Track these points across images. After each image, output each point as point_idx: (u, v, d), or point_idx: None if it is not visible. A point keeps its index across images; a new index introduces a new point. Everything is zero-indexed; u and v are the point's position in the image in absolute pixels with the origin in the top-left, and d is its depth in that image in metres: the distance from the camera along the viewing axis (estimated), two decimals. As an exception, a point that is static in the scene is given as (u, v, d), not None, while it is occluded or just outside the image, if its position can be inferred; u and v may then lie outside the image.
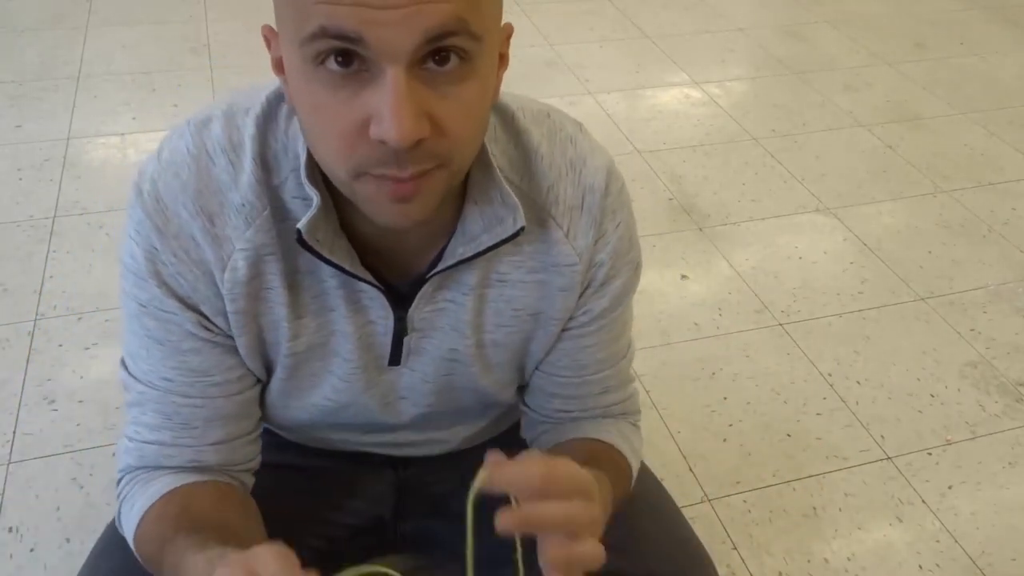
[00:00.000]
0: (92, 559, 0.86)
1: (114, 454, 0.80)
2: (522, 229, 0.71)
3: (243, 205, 0.69)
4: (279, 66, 0.64)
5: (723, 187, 2.15)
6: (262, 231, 0.70)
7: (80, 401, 1.46)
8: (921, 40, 2.99)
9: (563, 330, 0.82)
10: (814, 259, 1.93)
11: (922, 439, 1.51)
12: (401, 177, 0.60)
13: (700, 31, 2.96)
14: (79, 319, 1.62)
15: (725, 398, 1.56)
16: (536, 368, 0.87)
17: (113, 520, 0.90)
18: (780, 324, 1.74)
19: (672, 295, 1.80)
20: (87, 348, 1.57)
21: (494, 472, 0.59)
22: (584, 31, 2.90)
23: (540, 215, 0.76)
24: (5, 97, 2.33)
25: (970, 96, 2.65)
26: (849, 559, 1.31)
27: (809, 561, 1.30)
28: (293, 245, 0.71)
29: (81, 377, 1.51)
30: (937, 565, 1.31)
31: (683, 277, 1.85)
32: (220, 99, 0.74)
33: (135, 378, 0.76)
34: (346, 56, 0.56)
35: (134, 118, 2.28)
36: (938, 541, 1.34)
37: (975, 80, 2.75)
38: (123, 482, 0.79)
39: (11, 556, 1.22)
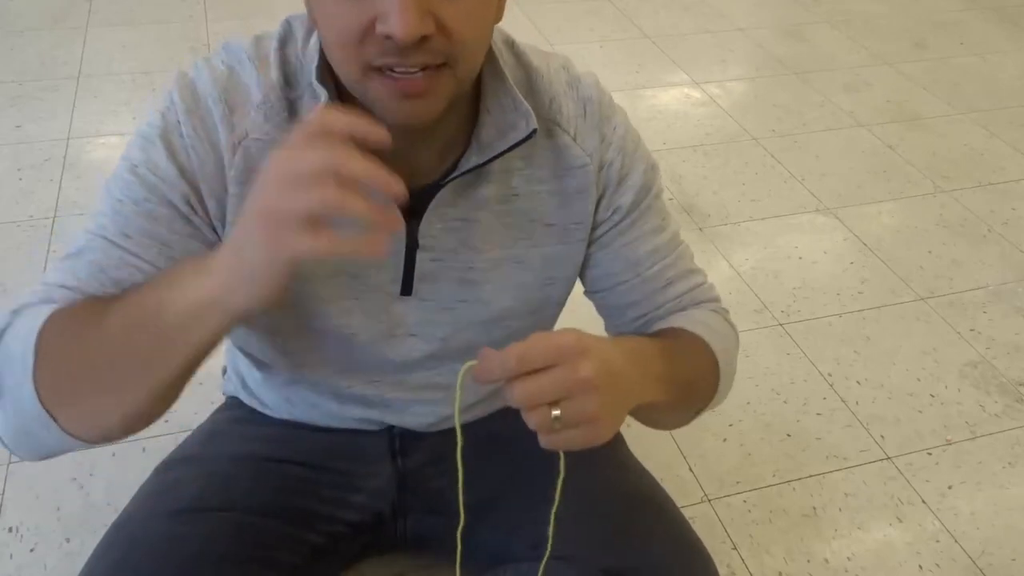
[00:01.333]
0: (92, 561, 0.86)
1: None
2: (535, 132, 0.76)
3: (264, 102, 0.75)
4: None
5: (723, 187, 2.15)
6: (279, 129, 0.75)
7: (80, 401, 1.46)
8: (921, 40, 2.99)
9: (600, 237, 0.86)
10: (814, 259, 1.93)
11: (922, 439, 1.51)
12: (408, 70, 0.65)
13: (700, 31, 2.96)
14: (79, 319, 1.62)
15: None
16: (597, 292, 0.91)
17: (114, 522, 0.90)
18: (780, 324, 1.74)
19: (672, 295, 1.79)
20: (87, 348, 1.56)
21: (479, 368, 0.61)
22: (584, 31, 2.90)
23: (547, 125, 0.81)
24: (5, 97, 2.33)
25: (970, 96, 2.65)
26: (849, 559, 1.31)
27: (809, 561, 1.30)
28: None
29: (81, 377, 1.51)
30: (937, 565, 1.31)
31: (683, 277, 1.85)
32: None
33: (87, 231, 0.76)
34: None
35: (134, 118, 2.28)
36: (938, 541, 1.34)
37: (975, 80, 2.75)
38: (9, 314, 0.72)
39: (11, 556, 1.22)
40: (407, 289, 0.82)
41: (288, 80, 0.76)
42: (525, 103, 0.76)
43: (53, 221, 1.88)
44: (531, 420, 0.62)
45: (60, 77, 2.44)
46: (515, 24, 2.87)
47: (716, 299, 0.95)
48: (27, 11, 2.79)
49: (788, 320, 1.75)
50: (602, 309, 0.94)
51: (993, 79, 2.76)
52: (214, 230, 0.78)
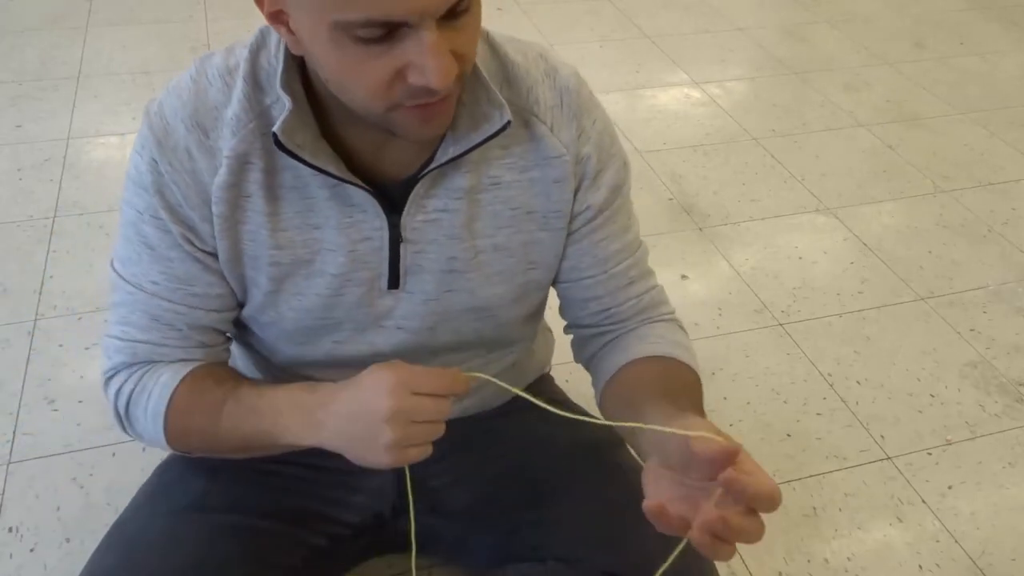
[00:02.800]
0: (92, 561, 0.86)
1: (122, 426, 0.80)
2: (509, 123, 0.77)
3: (231, 118, 0.76)
4: (277, 18, 0.69)
5: (723, 187, 2.15)
6: (245, 142, 0.76)
7: (80, 401, 1.46)
8: (921, 40, 2.99)
9: (572, 232, 0.88)
10: (814, 259, 1.93)
11: (922, 439, 1.51)
12: (433, 102, 0.68)
13: (700, 31, 2.96)
14: (79, 319, 1.62)
15: (725, 398, 1.56)
16: (563, 282, 0.93)
17: (114, 522, 0.90)
18: (780, 324, 1.74)
19: (672, 295, 1.78)
20: (87, 348, 1.57)
21: (732, 479, 0.64)
22: (584, 31, 2.90)
23: (524, 116, 0.82)
24: (5, 97, 2.33)
25: (970, 96, 2.65)
26: (849, 559, 1.31)
27: (809, 561, 1.30)
28: (278, 159, 0.77)
29: (81, 377, 1.51)
30: (937, 565, 1.31)
31: (683, 277, 1.85)
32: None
33: (125, 280, 0.83)
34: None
35: (134, 118, 2.28)
36: (938, 541, 1.35)
37: (975, 80, 2.75)
38: (119, 378, 0.85)
39: (11, 556, 1.22)
40: (394, 283, 0.83)
41: (259, 85, 0.76)
42: (499, 95, 0.77)
43: (53, 221, 1.88)
44: (720, 553, 0.66)
45: (60, 77, 2.44)
46: (515, 24, 2.86)
47: (668, 303, 0.98)
48: (27, 11, 2.79)
49: (788, 320, 1.75)
50: (564, 300, 0.96)
51: (993, 79, 2.76)
52: (213, 253, 0.81)
